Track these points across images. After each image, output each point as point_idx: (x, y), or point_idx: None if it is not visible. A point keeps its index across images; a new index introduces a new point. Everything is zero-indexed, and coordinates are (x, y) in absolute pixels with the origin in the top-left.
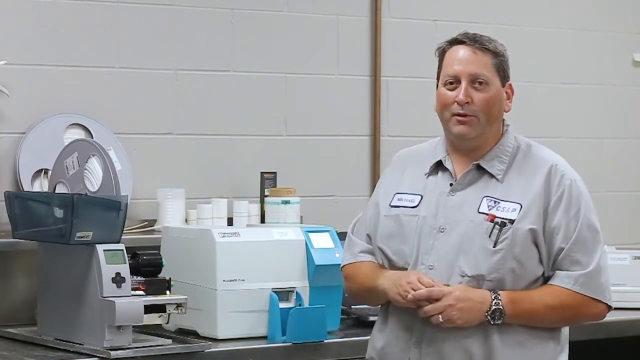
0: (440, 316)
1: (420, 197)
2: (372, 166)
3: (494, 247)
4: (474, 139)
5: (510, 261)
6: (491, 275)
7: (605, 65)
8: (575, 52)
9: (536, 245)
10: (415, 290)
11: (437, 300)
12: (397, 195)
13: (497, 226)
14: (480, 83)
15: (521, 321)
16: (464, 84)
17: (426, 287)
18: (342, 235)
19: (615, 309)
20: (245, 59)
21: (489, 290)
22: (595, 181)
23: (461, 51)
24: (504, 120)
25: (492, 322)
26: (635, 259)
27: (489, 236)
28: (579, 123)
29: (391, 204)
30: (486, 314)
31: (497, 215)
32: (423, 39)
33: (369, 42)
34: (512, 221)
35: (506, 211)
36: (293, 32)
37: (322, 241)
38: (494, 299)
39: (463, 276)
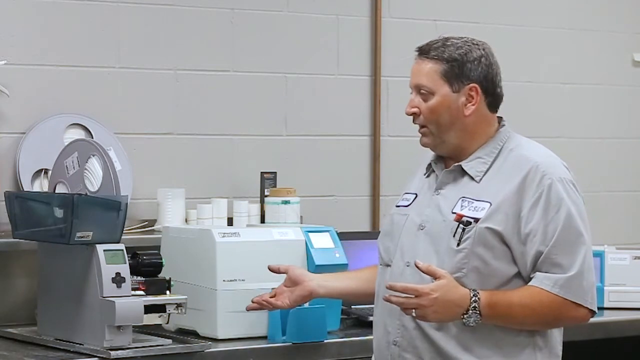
0: (413, 311)
1: (415, 196)
2: (372, 166)
3: (457, 246)
4: (437, 147)
5: (473, 260)
6: (454, 275)
7: (605, 65)
8: (575, 52)
9: (506, 244)
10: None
11: (415, 295)
12: (404, 195)
13: (461, 225)
14: (424, 93)
15: (497, 323)
16: (412, 96)
17: None
18: (342, 235)
19: (615, 309)
20: (245, 59)
21: (469, 290)
22: (595, 181)
23: (414, 63)
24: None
25: (465, 324)
26: (635, 259)
27: (454, 235)
28: (579, 123)
29: (396, 204)
30: (462, 316)
31: (465, 214)
32: (423, 39)
33: (369, 42)
34: (477, 220)
35: (476, 210)
36: (293, 32)
37: (322, 241)
38: (472, 302)
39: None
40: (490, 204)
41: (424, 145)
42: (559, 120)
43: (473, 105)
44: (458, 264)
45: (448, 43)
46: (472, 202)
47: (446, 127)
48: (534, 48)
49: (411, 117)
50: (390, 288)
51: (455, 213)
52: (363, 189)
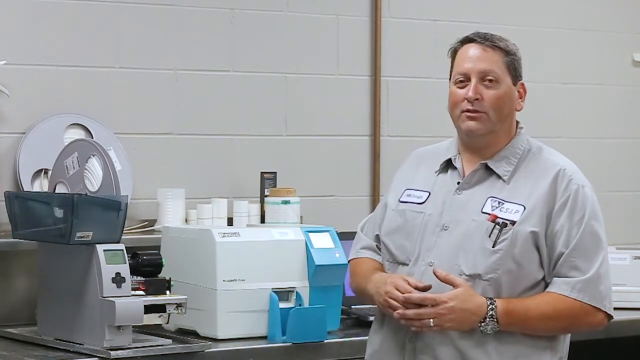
0: (430, 320)
1: (428, 194)
2: (372, 166)
3: (493, 247)
4: (483, 135)
5: (508, 262)
6: (488, 275)
7: (605, 65)
8: (575, 52)
9: (537, 248)
10: (392, 298)
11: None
12: (407, 191)
13: (497, 226)
14: (491, 80)
15: (514, 330)
16: (473, 81)
17: (402, 292)
18: (342, 235)
19: (615, 309)
20: (245, 59)
21: (486, 298)
22: (595, 181)
23: (471, 49)
24: (518, 122)
25: (483, 332)
26: (635, 259)
27: (489, 236)
28: (579, 123)
29: (400, 200)
30: (479, 324)
31: (499, 215)
32: (423, 39)
33: (369, 42)
34: (513, 222)
35: (509, 212)
36: (293, 32)
37: (322, 241)
38: (489, 310)
39: (461, 275)
40: (524, 207)
41: (474, 130)
42: (559, 120)
43: (523, 101)
44: (494, 265)
45: (499, 36)
46: (503, 203)
47: (504, 117)
48: (534, 48)
49: (463, 103)
50: (407, 301)
51: (487, 213)
52: (363, 189)
